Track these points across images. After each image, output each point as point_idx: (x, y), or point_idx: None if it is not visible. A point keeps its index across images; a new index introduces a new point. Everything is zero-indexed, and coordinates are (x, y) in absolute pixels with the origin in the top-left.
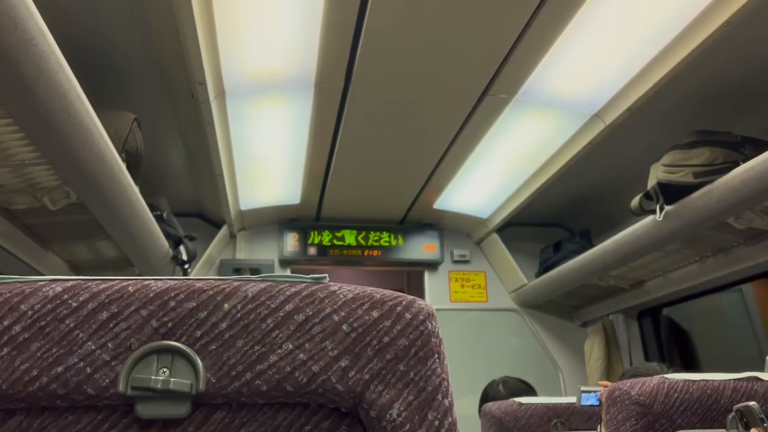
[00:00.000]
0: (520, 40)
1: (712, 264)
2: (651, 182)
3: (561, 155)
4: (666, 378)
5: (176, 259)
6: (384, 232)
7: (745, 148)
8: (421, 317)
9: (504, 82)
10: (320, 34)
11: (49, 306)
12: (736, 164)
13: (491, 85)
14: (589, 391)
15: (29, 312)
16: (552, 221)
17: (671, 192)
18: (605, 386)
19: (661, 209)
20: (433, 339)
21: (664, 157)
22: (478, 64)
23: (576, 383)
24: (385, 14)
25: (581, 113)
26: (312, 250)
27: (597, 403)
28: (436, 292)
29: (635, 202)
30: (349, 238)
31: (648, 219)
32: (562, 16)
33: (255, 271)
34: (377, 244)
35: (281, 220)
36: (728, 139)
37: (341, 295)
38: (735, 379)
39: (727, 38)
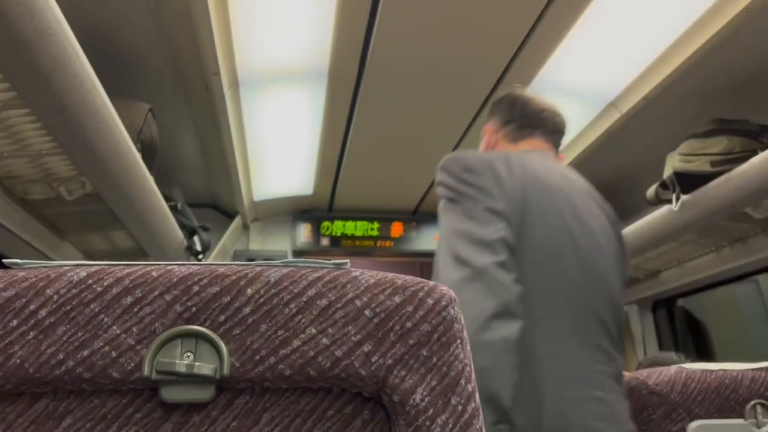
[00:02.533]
0: (534, 29)
1: (729, 254)
2: (667, 171)
3: (576, 145)
4: (683, 368)
5: (190, 249)
6: (397, 223)
7: (763, 136)
8: (443, 303)
9: (518, 71)
10: (334, 23)
11: (74, 290)
12: (755, 153)
13: (505, 74)
14: None
15: (55, 296)
16: None
17: (688, 181)
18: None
19: (678, 199)
20: (455, 324)
21: (681, 146)
22: (492, 53)
23: None
24: (399, 3)
25: (596, 102)
26: (325, 241)
27: None
28: None
29: (651, 191)
30: (362, 228)
31: (664, 209)
32: (577, 4)
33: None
34: (390, 234)
35: (294, 210)
36: (746, 128)
37: (363, 281)
38: (754, 369)
39: (746, 25)
